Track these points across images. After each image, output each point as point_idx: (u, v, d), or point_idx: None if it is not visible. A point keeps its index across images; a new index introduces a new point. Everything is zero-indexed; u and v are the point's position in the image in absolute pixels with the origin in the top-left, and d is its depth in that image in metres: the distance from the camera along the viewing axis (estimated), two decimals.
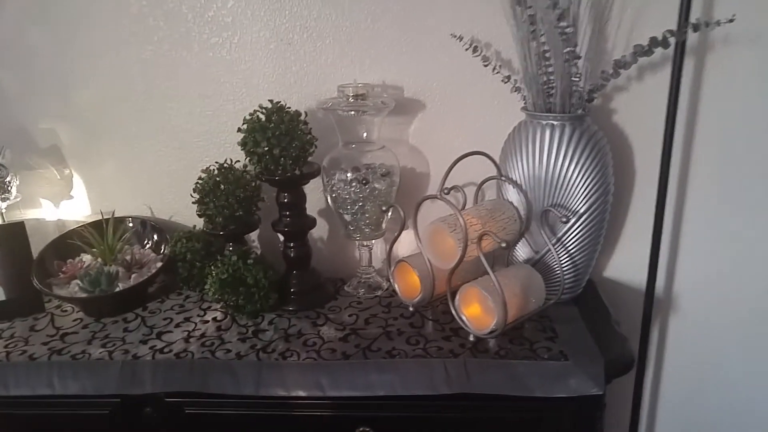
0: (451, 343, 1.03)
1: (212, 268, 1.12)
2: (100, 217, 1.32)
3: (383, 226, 1.21)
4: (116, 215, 1.32)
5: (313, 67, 1.21)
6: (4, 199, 1.23)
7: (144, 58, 1.24)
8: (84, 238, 1.24)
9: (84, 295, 1.14)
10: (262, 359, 1.01)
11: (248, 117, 1.09)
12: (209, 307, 1.19)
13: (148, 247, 1.29)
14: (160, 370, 1.00)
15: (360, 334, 1.07)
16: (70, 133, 1.33)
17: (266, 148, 1.05)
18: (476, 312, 1.04)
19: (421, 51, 1.18)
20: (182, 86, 1.26)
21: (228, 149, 1.26)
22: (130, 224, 1.29)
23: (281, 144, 1.05)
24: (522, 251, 1.14)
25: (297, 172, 1.11)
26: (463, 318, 1.04)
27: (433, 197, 1.05)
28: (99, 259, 1.23)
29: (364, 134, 1.17)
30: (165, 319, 1.15)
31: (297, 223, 1.18)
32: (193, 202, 1.20)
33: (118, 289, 1.15)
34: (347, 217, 1.17)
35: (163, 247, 1.26)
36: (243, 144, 1.08)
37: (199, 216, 1.20)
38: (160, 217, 1.36)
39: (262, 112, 1.08)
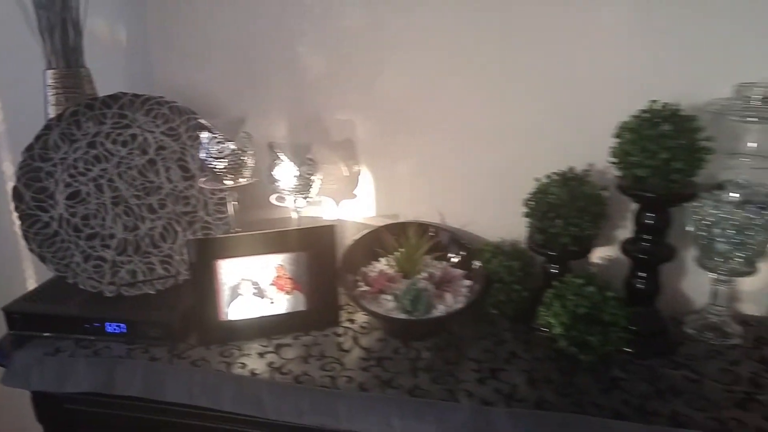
0: None
1: (555, 298, 0.94)
2: (387, 221, 1.18)
3: (759, 263, 0.97)
4: (399, 220, 1.19)
5: (686, 56, 0.99)
6: (305, 197, 1.12)
7: (475, 39, 1.08)
8: (382, 244, 1.11)
9: (403, 316, 0.99)
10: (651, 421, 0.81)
11: (628, 120, 0.89)
12: (527, 339, 1.02)
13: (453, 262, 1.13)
14: (522, 424, 0.83)
15: (759, 400, 0.85)
16: (367, 125, 1.19)
17: (667, 161, 0.84)
18: None
19: None
20: (515, 78, 1.08)
21: (552, 152, 1.06)
22: (431, 233, 1.13)
23: (679, 157, 0.85)
24: None
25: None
26: None
27: None
28: (395, 270, 1.09)
29: (749, 145, 0.94)
30: (486, 351, 0.99)
31: (656, 251, 0.97)
32: (525, 215, 1.02)
33: (438, 314, 0.99)
34: (721, 247, 0.95)
35: (472, 264, 1.09)
36: (622, 153, 0.89)
37: (538, 233, 1.02)
38: (451, 224, 1.20)
39: (647, 116, 0.88)
